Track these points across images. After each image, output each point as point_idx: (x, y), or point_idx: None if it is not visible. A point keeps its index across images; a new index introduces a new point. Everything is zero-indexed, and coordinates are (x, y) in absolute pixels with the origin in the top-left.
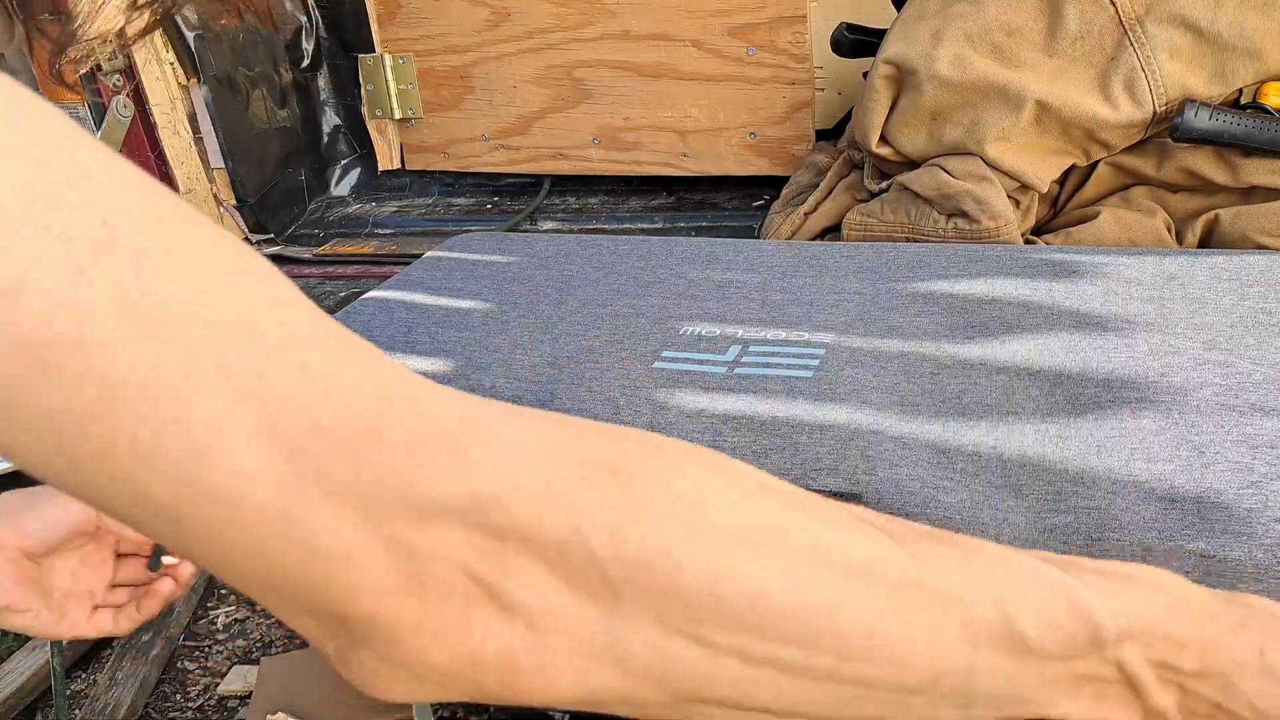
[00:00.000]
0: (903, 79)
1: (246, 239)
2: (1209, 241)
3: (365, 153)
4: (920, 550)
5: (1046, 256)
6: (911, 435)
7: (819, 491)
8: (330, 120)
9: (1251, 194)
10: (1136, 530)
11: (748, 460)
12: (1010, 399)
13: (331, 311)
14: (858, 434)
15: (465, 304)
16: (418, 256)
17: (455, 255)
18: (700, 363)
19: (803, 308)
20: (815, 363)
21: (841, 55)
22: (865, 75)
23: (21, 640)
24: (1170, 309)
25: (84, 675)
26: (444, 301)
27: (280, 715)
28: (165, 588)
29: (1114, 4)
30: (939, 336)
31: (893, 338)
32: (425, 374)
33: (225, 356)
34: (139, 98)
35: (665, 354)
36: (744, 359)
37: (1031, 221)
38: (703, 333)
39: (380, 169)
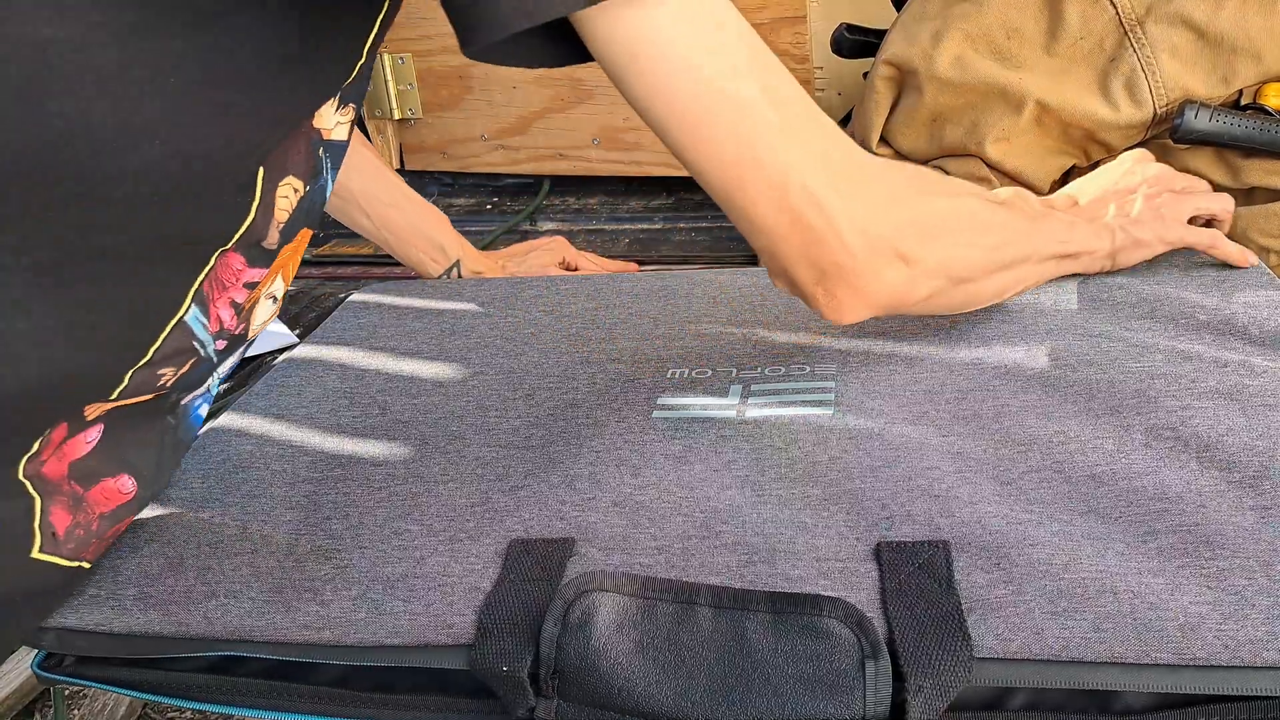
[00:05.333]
0: (903, 80)
1: None
2: None
3: None
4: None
5: None
6: (968, 468)
7: (901, 544)
8: None
9: (1252, 195)
10: (1245, 543)
11: (805, 514)
12: (1051, 414)
13: (329, 313)
14: (914, 473)
15: (408, 364)
16: None
17: (378, 299)
18: (704, 408)
19: (789, 337)
20: (831, 396)
21: (842, 56)
22: (865, 76)
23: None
24: (1160, 312)
25: None
26: (382, 362)
27: None
28: None
29: (1114, 5)
30: (943, 355)
31: (897, 362)
32: (386, 453)
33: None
34: None
35: (661, 401)
36: (751, 400)
37: None
38: (694, 375)
39: None
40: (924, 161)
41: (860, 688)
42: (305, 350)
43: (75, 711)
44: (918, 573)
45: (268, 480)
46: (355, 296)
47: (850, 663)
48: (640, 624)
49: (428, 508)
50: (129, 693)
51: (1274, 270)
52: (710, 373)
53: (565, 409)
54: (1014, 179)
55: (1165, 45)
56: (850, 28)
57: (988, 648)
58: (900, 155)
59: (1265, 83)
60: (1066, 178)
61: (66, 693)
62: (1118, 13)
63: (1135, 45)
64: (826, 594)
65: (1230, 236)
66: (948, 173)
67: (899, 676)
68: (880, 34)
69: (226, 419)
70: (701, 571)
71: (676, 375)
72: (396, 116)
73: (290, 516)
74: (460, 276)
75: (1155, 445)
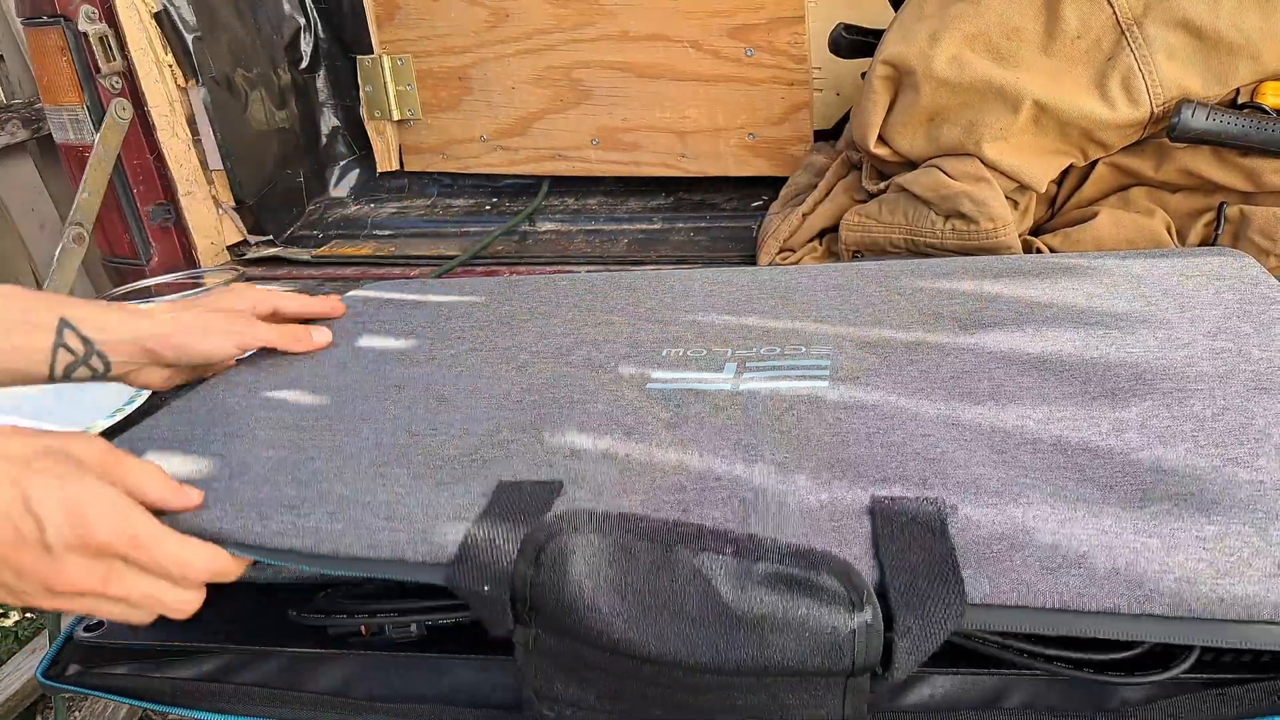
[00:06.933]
0: (900, 79)
1: (245, 240)
2: (1211, 243)
3: (364, 154)
4: None
5: (1014, 264)
6: (963, 436)
7: (894, 498)
8: (329, 121)
9: (1252, 194)
10: (1241, 512)
11: (799, 475)
12: (1047, 396)
13: None
14: (908, 438)
15: (402, 341)
16: (417, 258)
17: (374, 295)
18: (700, 381)
19: (785, 324)
20: (826, 373)
21: (840, 56)
22: (863, 76)
23: (21, 642)
24: (1157, 304)
25: None
26: (375, 338)
27: None
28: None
29: (1112, 4)
30: (943, 342)
31: (896, 347)
32: (375, 410)
33: None
34: (137, 99)
35: (656, 375)
36: (745, 375)
37: (1030, 222)
38: (688, 354)
39: (379, 170)
40: (921, 161)
41: (850, 644)
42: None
43: (76, 714)
44: (911, 524)
45: (252, 425)
46: (353, 292)
47: (840, 618)
48: (616, 566)
49: (414, 456)
50: (130, 701)
51: (1273, 274)
52: (705, 351)
53: (558, 379)
54: (1011, 178)
55: (1162, 45)
56: (848, 28)
57: (982, 595)
58: (898, 154)
59: (1262, 81)
60: (1064, 177)
61: (67, 696)
62: (1115, 12)
63: (1132, 45)
64: (816, 545)
65: (1231, 238)
66: (945, 172)
67: (888, 619)
68: (878, 34)
69: (215, 378)
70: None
71: (671, 354)
72: (396, 117)
73: (272, 454)
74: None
75: (1151, 424)
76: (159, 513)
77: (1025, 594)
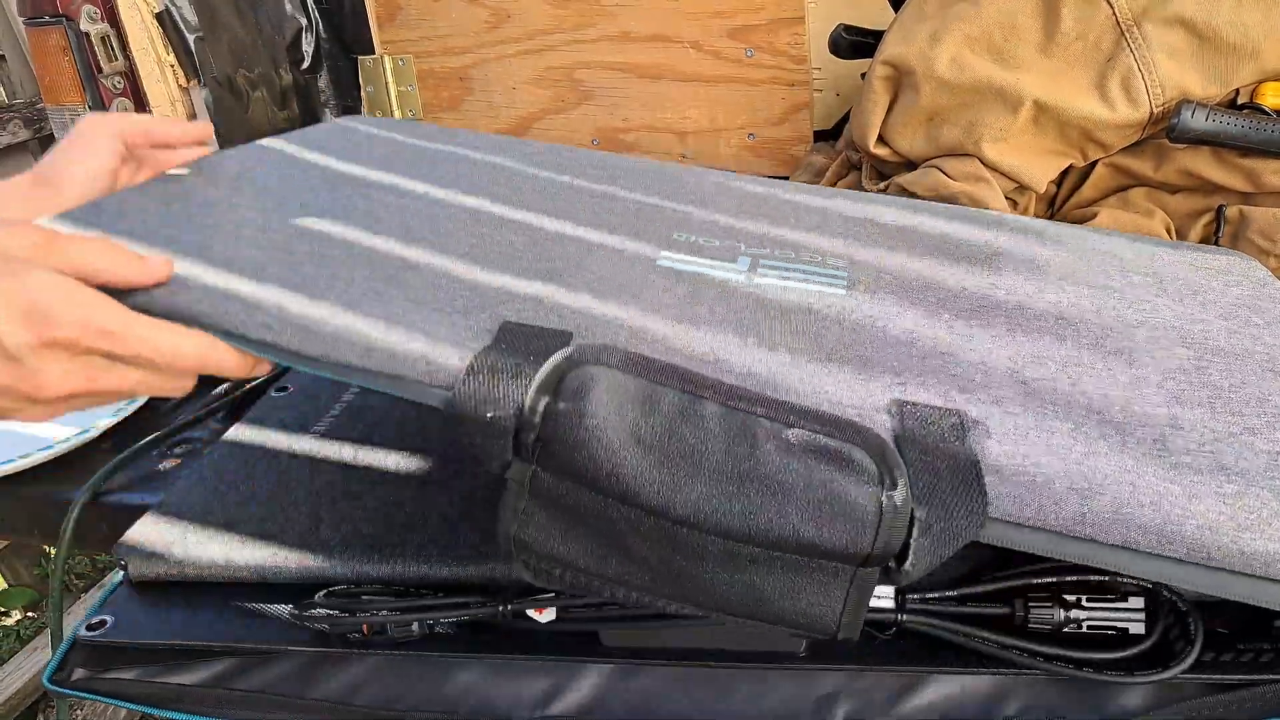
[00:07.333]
0: (900, 80)
1: None
2: (1211, 244)
3: None
4: None
5: (1034, 224)
6: (984, 362)
7: (916, 404)
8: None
9: (1252, 195)
10: (1259, 476)
11: (814, 366)
12: (1064, 340)
13: None
14: (927, 354)
15: (395, 174)
16: None
17: (368, 128)
18: (712, 267)
19: (801, 236)
20: (843, 282)
21: (840, 56)
22: (863, 76)
23: (23, 641)
24: (1170, 283)
25: None
26: (365, 169)
27: None
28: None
29: (1111, 5)
30: (961, 277)
31: (912, 273)
32: (368, 228)
33: None
34: (139, 99)
35: (665, 254)
36: (760, 269)
37: None
38: (701, 241)
39: None
40: (921, 161)
41: (876, 524)
42: (278, 142)
43: (78, 712)
44: (934, 429)
45: (234, 219)
46: (344, 119)
47: (869, 495)
48: (640, 408)
49: (412, 282)
50: (138, 708)
51: (1274, 274)
52: (718, 243)
53: (565, 239)
54: (1011, 178)
55: (1162, 45)
56: (848, 28)
57: (1003, 511)
58: (898, 155)
59: (1262, 82)
60: (1063, 177)
61: None
62: (1114, 12)
63: (1132, 45)
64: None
65: (1231, 239)
66: (945, 172)
67: (910, 517)
68: (878, 35)
69: (188, 167)
70: None
71: (682, 238)
72: (398, 117)
73: (258, 253)
74: None
75: (1168, 385)
76: (130, 294)
77: (1047, 517)
